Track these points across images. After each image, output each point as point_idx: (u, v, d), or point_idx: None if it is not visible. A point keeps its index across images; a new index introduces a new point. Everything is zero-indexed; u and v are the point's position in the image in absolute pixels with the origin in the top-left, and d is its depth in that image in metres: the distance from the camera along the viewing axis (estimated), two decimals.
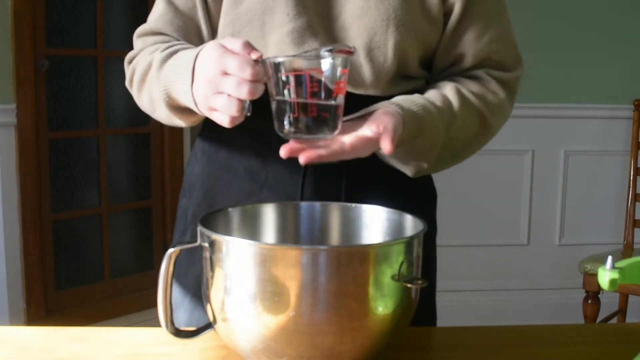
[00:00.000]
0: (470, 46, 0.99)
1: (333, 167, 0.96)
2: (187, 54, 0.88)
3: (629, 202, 2.86)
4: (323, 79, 0.78)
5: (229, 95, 0.80)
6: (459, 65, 1.01)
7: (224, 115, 0.82)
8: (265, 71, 0.79)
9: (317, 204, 0.91)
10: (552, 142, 3.06)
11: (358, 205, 0.89)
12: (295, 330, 0.70)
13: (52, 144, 2.79)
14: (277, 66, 0.78)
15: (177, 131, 3.14)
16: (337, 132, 0.82)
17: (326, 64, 0.78)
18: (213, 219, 0.82)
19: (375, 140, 0.82)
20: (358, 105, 0.91)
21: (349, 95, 0.92)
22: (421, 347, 0.88)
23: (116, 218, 3.08)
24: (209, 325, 0.79)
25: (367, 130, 0.83)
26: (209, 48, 0.83)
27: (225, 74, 0.80)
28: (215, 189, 1.04)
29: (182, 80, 0.87)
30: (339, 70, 0.79)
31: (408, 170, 0.98)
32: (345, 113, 0.88)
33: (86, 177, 2.98)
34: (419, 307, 1.04)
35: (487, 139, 1.03)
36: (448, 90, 0.97)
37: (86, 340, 0.88)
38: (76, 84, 2.89)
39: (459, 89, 0.97)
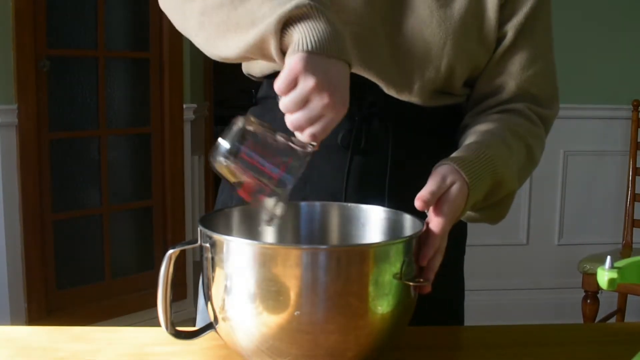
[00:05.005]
0: (514, 75, 1.00)
1: (377, 165, 0.97)
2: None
3: (628, 202, 2.87)
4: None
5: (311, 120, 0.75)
6: (500, 94, 1.01)
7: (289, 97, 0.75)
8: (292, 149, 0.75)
9: (317, 204, 0.92)
10: (551, 143, 3.04)
11: (357, 205, 0.90)
12: (299, 330, 0.71)
13: (53, 144, 2.79)
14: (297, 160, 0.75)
15: (177, 131, 3.15)
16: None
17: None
18: (213, 219, 0.82)
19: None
20: (397, 109, 0.96)
21: (391, 98, 0.96)
22: (421, 346, 0.89)
23: (117, 218, 3.08)
24: (209, 326, 0.79)
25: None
26: (347, 86, 0.76)
27: (323, 114, 0.74)
28: None
29: (320, 35, 0.74)
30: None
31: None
32: (389, 115, 0.95)
33: (87, 177, 2.99)
34: (447, 313, 1.02)
35: (531, 171, 1.03)
36: (498, 131, 0.96)
37: (87, 339, 0.89)
38: (77, 84, 2.89)
39: (509, 127, 0.97)
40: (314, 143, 0.76)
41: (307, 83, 0.72)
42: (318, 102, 0.73)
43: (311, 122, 0.74)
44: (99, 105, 2.93)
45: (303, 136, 0.75)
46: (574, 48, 2.96)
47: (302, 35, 0.74)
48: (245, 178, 0.74)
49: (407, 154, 0.99)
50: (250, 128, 0.75)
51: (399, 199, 0.91)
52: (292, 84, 0.73)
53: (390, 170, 0.98)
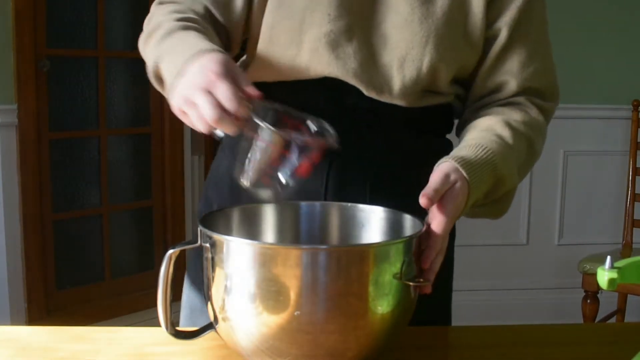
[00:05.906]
0: (515, 74, 0.98)
1: (357, 167, 0.96)
2: (193, 42, 0.86)
3: (628, 202, 2.87)
4: (289, 158, 0.79)
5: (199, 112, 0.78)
6: (501, 92, 1.00)
7: (194, 124, 0.81)
8: (248, 118, 0.78)
9: (317, 204, 0.92)
10: (551, 143, 3.04)
11: (357, 205, 0.90)
12: (299, 330, 0.71)
13: (53, 144, 2.79)
14: (256, 125, 0.78)
15: (177, 131, 3.14)
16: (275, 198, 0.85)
17: (295, 149, 0.79)
18: (213, 219, 0.82)
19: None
20: (381, 110, 0.94)
21: (373, 102, 0.94)
22: (421, 346, 0.89)
23: (117, 218, 3.08)
24: (209, 326, 0.79)
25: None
26: (216, 60, 0.80)
27: (209, 92, 0.77)
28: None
29: (173, 65, 0.85)
30: (305, 156, 0.80)
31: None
32: (372, 117, 0.93)
33: (87, 177, 2.99)
34: (435, 309, 1.01)
35: (533, 164, 1.02)
36: (499, 127, 0.95)
37: (87, 339, 0.89)
38: (77, 84, 2.89)
39: (508, 122, 0.95)
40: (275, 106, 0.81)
41: (185, 104, 0.80)
42: (200, 98, 0.77)
43: (216, 104, 0.76)
44: (99, 105, 2.93)
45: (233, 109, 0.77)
46: (573, 48, 2.96)
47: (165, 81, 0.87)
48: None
49: (391, 155, 0.98)
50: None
51: (380, 200, 0.90)
52: (187, 118, 0.81)
53: (372, 172, 0.97)
